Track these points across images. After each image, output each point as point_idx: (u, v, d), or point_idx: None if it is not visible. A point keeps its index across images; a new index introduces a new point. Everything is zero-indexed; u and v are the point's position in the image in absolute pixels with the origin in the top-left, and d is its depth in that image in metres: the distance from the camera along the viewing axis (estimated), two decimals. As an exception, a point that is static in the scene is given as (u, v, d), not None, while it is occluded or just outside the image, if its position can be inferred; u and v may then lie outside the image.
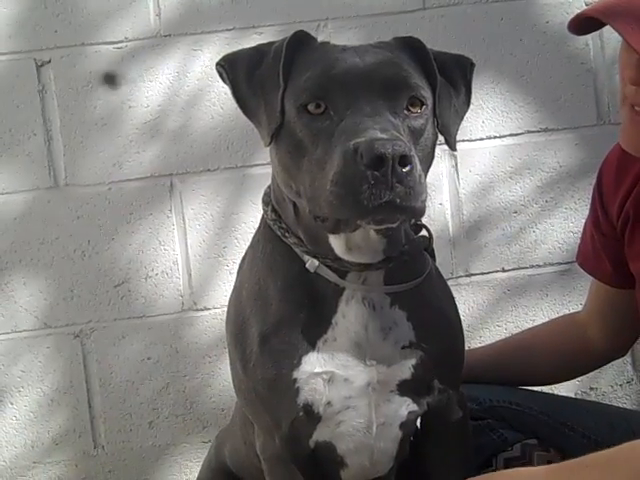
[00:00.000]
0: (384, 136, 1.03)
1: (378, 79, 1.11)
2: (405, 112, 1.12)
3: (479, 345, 1.95)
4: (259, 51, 1.20)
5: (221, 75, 1.20)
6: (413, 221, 1.26)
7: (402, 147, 1.03)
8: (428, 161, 1.17)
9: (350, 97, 1.10)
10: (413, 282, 1.25)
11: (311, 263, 1.22)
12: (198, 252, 2.14)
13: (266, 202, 1.30)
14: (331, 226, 1.12)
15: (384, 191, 1.02)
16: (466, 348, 1.38)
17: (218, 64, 1.20)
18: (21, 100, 2.10)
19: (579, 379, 2.11)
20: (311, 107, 1.11)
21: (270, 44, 1.20)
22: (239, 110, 2.17)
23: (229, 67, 1.19)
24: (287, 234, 1.24)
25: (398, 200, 1.03)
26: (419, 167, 1.07)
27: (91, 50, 2.11)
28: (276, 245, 1.26)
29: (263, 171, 2.09)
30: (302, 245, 1.23)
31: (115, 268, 2.13)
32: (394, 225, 1.11)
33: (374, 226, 1.12)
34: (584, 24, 1.25)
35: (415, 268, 1.27)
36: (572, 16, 1.26)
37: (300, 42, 1.18)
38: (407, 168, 1.03)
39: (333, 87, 1.10)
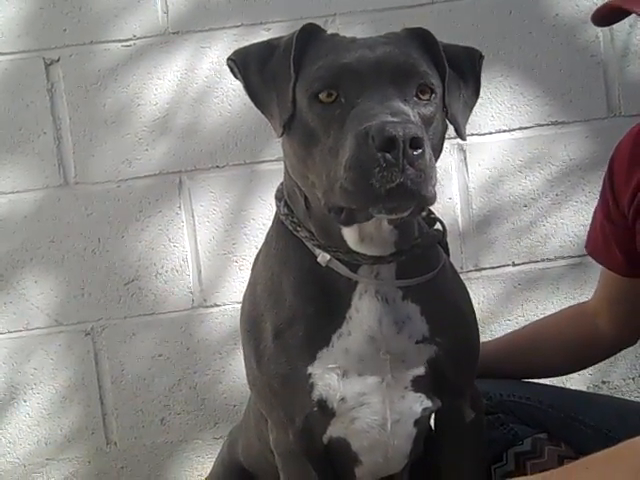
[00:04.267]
0: (395, 119, 1.04)
1: (388, 67, 1.12)
2: (415, 99, 1.13)
3: (489, 339, 1.95)
4: (269, 45, 1.21)
5: (232, 70, 1.21)
6: (425, 213, 1.26)
7: (413, 129, 1.03)
8: (438, 150, 1.17)
9: (361, 85, 1.10)
10: (426, 276, 1.25)
11: (322, 257, 1.22)
12: (208, 249, 2.15)
13: (279, 198, 1.30)
14: (345, 217, 1.12)
15: (396, 173, 1.03)
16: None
17: (229, 59, 1.21)
18: (30, 99, 2.11)
19: (590, 373, 2.11)
20: (322, 96, 1.12)
21: (280, 38, 1.21)
22: (247, 107, 2.19)
23: (240, 62, 1.20)
24: (299, 228, 1.24)
25: (409, 183, 1.04)
26: (430, 151, 1.07)
27: (100, 48, 2.11)
28: (289, 240, 1.26)
29: (272, 167, 2.10)
30: (314, 239, 1.23)
31: (125, 266, 2.14)
32: (405, 214, 1.11)
33: (386, 215, 1.11)
34: (608, 15, 1.24)
35: (428, 262, 1.27)
36: (591, 8, 1.26)
37: (310, 34, 1.18)
38: (418, 151, 1.04)
39: (344, 75, 1.11)
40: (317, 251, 1.23)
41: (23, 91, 2.11)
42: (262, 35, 2.08)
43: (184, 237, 2.15)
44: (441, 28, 2.13)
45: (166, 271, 2.15)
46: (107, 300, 2.14)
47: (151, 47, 2.12)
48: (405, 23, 2.07)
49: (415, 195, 1.06)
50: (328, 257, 1.22)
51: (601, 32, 2.15)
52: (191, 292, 2.15)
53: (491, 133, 2.16)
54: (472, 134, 2.09)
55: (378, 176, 1.03)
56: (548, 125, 2.17)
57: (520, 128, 2.17)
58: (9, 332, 2.13)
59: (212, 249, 2.15)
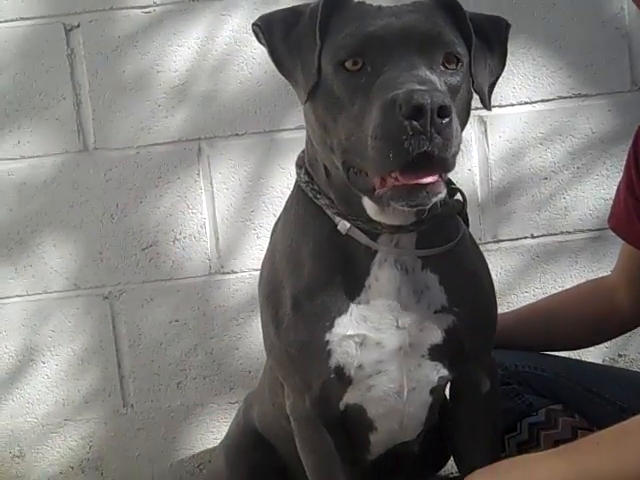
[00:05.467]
0: (422, 87, 1.04)
1: (414, 35, 1.11)
2: (441, 68, 1.13)
3: (507, 311, 1.94)
4: (295, 11, 1.20)
5: (257, 35, 1.20)
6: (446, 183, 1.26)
7: (441, 98, 1.03)
8: (464, 119, 1.17)
9: (387, 53, 1.10)
10: (446, 246, 1.25)
11: (342, 225, 1.22)
12: (226, 216, 2.15)
13: (299, 165, 1.30)
14: (362, 183, 1.11)
15: (423, 141, 1.02)
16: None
17: (254, 24, 1.20)
18: (50, 64, 2.10)
19: (607, 346, 2.10)
20: (348, 64, 1.11)
21: (306, 5, 1.20)
22: (267, 75, 2.18)
23: (265, 27, 1.19)
24: (319, 195, 1.24)
25: (436, 151, 1.03)
26: (457, 119, 1.06)
27: (120, 15, 2.10)
28: (308, 208, 1.26)
29: (291, 136, 2.09)
30: (334, 207, 1.23)
31: (143, 231, 2.15)
32: (426, 207, 1.10)
33: (406, 208, 1.11)
34: None
35: (448, 232, 1.27)
36: None
37: (336, 1, 1.18)
38: (446, 119, 1.03)
39: (370, 44, 1.11)
40: (337, 219, 1.23)
41: (43, 56, 2.11)
42: (282, 3, 2.05)
43: (202, 204, 2.15)
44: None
45: (184, 237, 2.15)
46: (125, 265, 2.15)
47: (171, 14, 2.11)
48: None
49: (441, 163, 1.06)
50: (348, 225, 1.22)
51: (626, 4, 2.12)
52: (208, 259, 2.16)
53: (512, 105, 2.14)
54: (493, 106, 2.06)
55: (405, 143, 1.02)
56: (571, 98, 2.15)
57: (542, 100, 2.15)
58: (28, 295, 2.15)
59: (230, 216, 2.15)
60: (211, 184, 2.14)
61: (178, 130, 2.13)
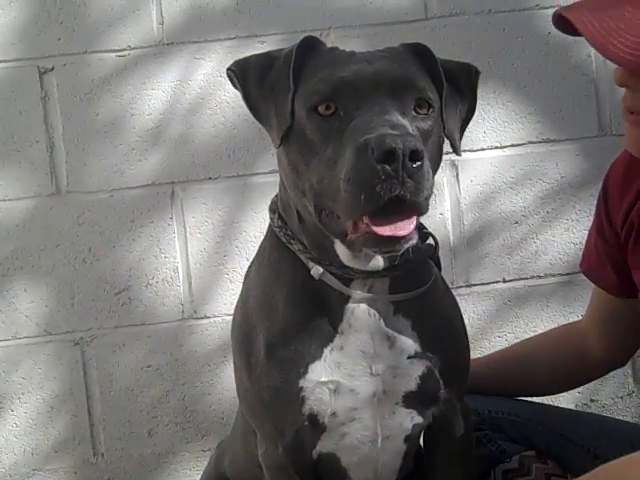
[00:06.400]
0: (394, 132, 1.05)
1: (386, 80, 1.13)
2: (413, 113, 1.14)
3: (479, 356, 1.94)
4: (269, 56, 1.22)
5: (232, 80, 1.22)
6: (417, 228, 1.26)
7: (412, 142, 1.04)
8: (435, 163, 1.18)
9: (359, 98, 1.11)
10: (418, 290, 1.25)
11: (315, 270, 1.22)
12: (199, 260, 2.14)
13: (273, 210, 1.30)
14: (335, 227, 1.13)
15: (395, 185, 1.03)
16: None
17: (229, 69, 1.21)
18: (24, 107, 2.11)
19: (579, 391, 2.11)
20: (321, 108, 1.12)
21: (280, 50, 1.22)
22: (241, 119, 2.19)
23: (240, 72, 1.20)
24: (292, 240, 1.24)
25: (408, 195, 1.04)
26: (428, 164, 1.08)
27: (94, 58, 2.11)
28: (282, 252, 1.26)
29: (265, 180, 2.10)
30: (307, 252, 1.23)
31: (116, 275, 2.13)
32: (398, 254, 1.11)
33: (378, 255, 1.12)
34: (561, 25, 1.26)
35: (420, 277, 1.27)
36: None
37: (310, 47, 1.19)
38: (417, 164, 1.04)
39: (342, 89, 1.12)
40: (310, 264, 1.23)
41: (17, 99, 2.11)
42: (256, 48, 2.08)
43: (175, 248, 2.14)
44: (435, 44, 2.13)
45: (157, 282, 2.14)
46: (97, 310, 2.13)
47: (145, 57, 2.12)
48: (400, 38, 2.11)
49: (413, 207, 1.07)
50: (321, 270, 1.22)
51: (594, 51, 2.16)
52: (181, 303, 2.15)
53: (483, 149, 2.18)
54: (464, 150, 2.09)
55: (377, 187, 1.03)
56: (540, 142, 2.19)
57: (512, 145, 2.18)
58: (-2, 341, 2.13)
59: (203, 261, 2.15)
60: (184, 228, 2.14)
61: (151, 174, 2.13)
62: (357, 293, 1.22)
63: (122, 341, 2.14)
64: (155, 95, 2.13)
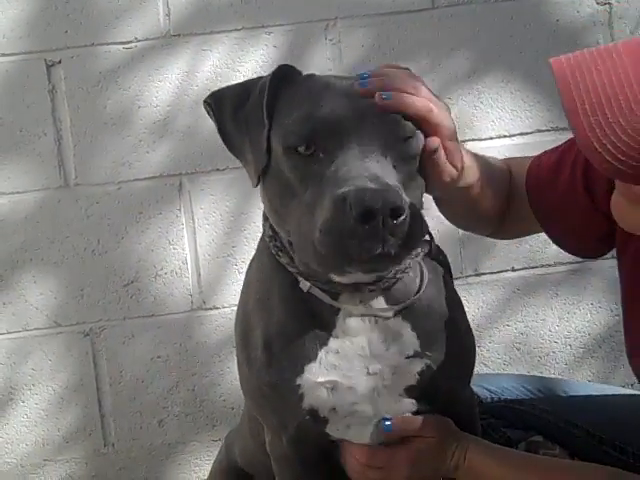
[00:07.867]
0: (373, 186, 0.99)
1: (367, 120, 1.07)
2: (397, 151, 1.09)
3: (488, 346, 1.93)
4: (246, 87, 1.17)
5: (208, 112, 1.18)
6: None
7: (393, 198, 0.98)
8: (421, 201, 1.15)
9: (339, 139, 1.06)
10: (412, 299, 1.22)
11: (303, 284, 1.20)
12: (207, 251, 2.15)
13: (265, 217, 1.26)
14: (319, 275, 1.11)
15: (376, 244, 0.99)
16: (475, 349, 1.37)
17: (205, 101, 1.18)
18: (31, 100, 2.11)
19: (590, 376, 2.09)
20: (301, 149, 1.07)
21: (258, 79, 1.17)
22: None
23: (215, 104, 1.17)
24: (281, 253, 1.21)
25: (392, 251, 1.00)
26: (416, 209, 1.04)
27: (101, 50, 2.12)
28: (272, 260, 1.23)
29: (272, 170, 2.10)
30: (294, 266, 1.19)
31: (125, 267, 2.14)
32: (384, 273, 1.09)
33: (364, 275, 1.10)
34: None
35: (414, 281, 1.23)
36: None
37: (284, 77, 1.14)
38: (399, 219, 0.99)
39: (321, 130, 1.06)
40: (299, 277, 1.20)
41: (24, 92, 2.11)
42: (263, 39, 2.08)
43: (184, 239, 2.15)
44: (442, 33, 2.15)
45: (165, 273, 2.15)
46: (106, 301, 2.14)
47: (152, 49, 2.12)
48: (406, 27, 2.10)
49: (397, 259, 1.03)
50: (308, 284, 1.19)
51: (602, 38, 2.15)
52: (190, 294, 2.15)
53: (492, 138, 2.16)
54: (473, 139, 2.09)
55: (356, 246, 0.99)
56: (549, 131, 2.18)
57: (521, 134, 2.17)
58: (8, 332, 2.13)
59: (211, 252, 2.15)
60: (192, 219, 2.14)
61: (159, 165, 2.13)
62: (347, 305, 1.19)
63: (131, 332, 2.15)
64: (162, 87, 2.13)
